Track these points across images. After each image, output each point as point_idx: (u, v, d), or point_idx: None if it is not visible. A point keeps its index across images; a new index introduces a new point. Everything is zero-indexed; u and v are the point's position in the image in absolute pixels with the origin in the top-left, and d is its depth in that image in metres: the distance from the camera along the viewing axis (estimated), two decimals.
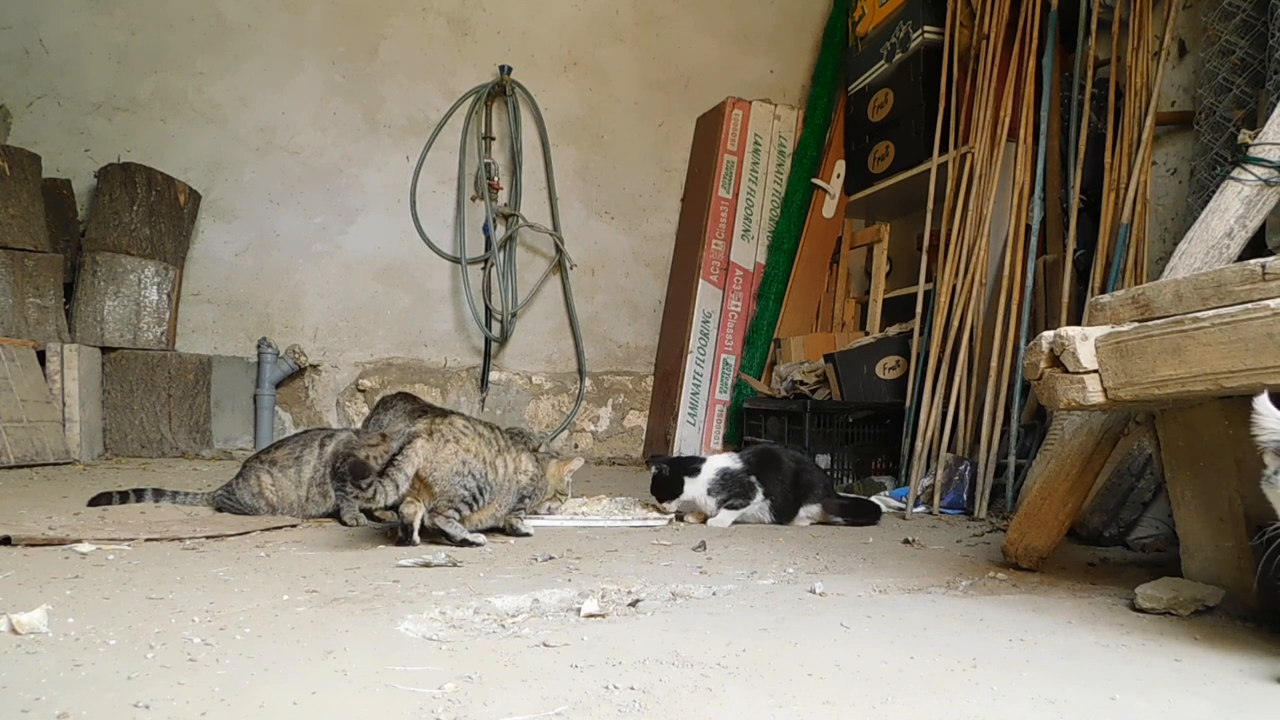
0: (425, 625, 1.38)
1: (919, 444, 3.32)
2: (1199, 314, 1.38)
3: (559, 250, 5.06)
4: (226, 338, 4.57)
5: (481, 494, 2.15)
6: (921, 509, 3.13)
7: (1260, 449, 1.24)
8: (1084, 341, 1.55)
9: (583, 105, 5.18)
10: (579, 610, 1.50)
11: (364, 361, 4.79)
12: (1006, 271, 3.27)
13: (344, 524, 2.43)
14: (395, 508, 2.09)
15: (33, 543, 1.89)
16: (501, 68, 4.93)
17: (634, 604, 1.57)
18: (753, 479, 2.67)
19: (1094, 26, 3.23)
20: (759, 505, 2.69)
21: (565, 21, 5.15)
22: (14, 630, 1.23)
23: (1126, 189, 2.99)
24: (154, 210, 4.17)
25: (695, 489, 2.67)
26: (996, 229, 3.41)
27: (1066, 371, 1.57)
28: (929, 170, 3.84)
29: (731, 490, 2.65)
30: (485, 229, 4.86)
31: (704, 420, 4.78)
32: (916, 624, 1.46)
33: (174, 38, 4.52)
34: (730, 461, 2.73)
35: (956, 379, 3.31)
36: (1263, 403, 1.23)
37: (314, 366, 4.69)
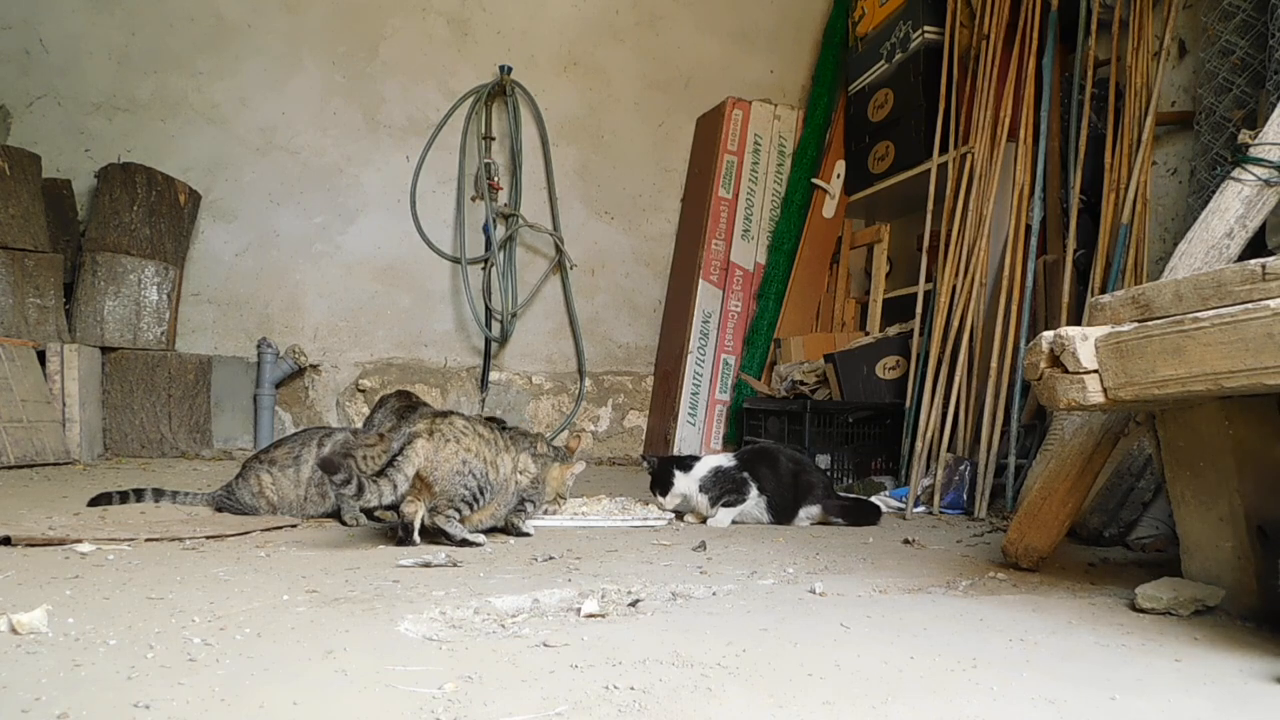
0: (425, 625, 1.38)
1: (919, 444, 3.32)
2: (1199, 314, 1.38)
3: (559, 250, 5.06)
4: (226, 338, 4.57)
5: (482, 494, 2.14)
6: (921, 509, 3.13)
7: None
8: (1084, 341, 1.55)
9: (583, 105, 5.18)
10: (579, 610, 1.50)
11: (364, 361, 4.79)
12: (1006, 271, 3.27)
13: (344, 524, 2.43)
14: (395, 507, 2.09)
15: (33, 543, 1.89)
16: (501, 68, 4.93)
17: (634, 604, 1.57)
18: (745, 475, 2.67)
19: (1094, 26, 3.23)
20: (755, 502, 2.68)
21: (565, 21, 5.15)
22: (14, 630, 1.23)
23: (1126, 189, 2.99)
24: (154, 210, 4.17)
25: (688, 485, 2.67)
26: (996, 229, 3.41)
27: (1066, 371, 1.57)
28: (929, 170, 3.84)
29: (724, 487, 2.65)
30: (485, 229, 4.86)
31: (704, 420, 4.78)
32: (916, 624, 1.46)
33: (174, 38, 4.52)
34: (724, 460, 2.74)
35: (956, 379, 3.30)
36: None
37: (314, 366, 4.69)
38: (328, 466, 1.92)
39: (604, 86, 5.22)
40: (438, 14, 4.95)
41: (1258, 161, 1.89)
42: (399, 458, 2.01)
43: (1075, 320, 2.93)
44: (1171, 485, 1.74)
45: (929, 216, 3.76)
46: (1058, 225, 3.33)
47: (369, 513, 2.46)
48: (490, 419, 2.44)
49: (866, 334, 4.31)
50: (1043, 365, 1.62)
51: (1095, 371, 1.54)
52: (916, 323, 3.74)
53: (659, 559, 2.03)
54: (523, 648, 1.25)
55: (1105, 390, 1.53)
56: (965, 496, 3.08)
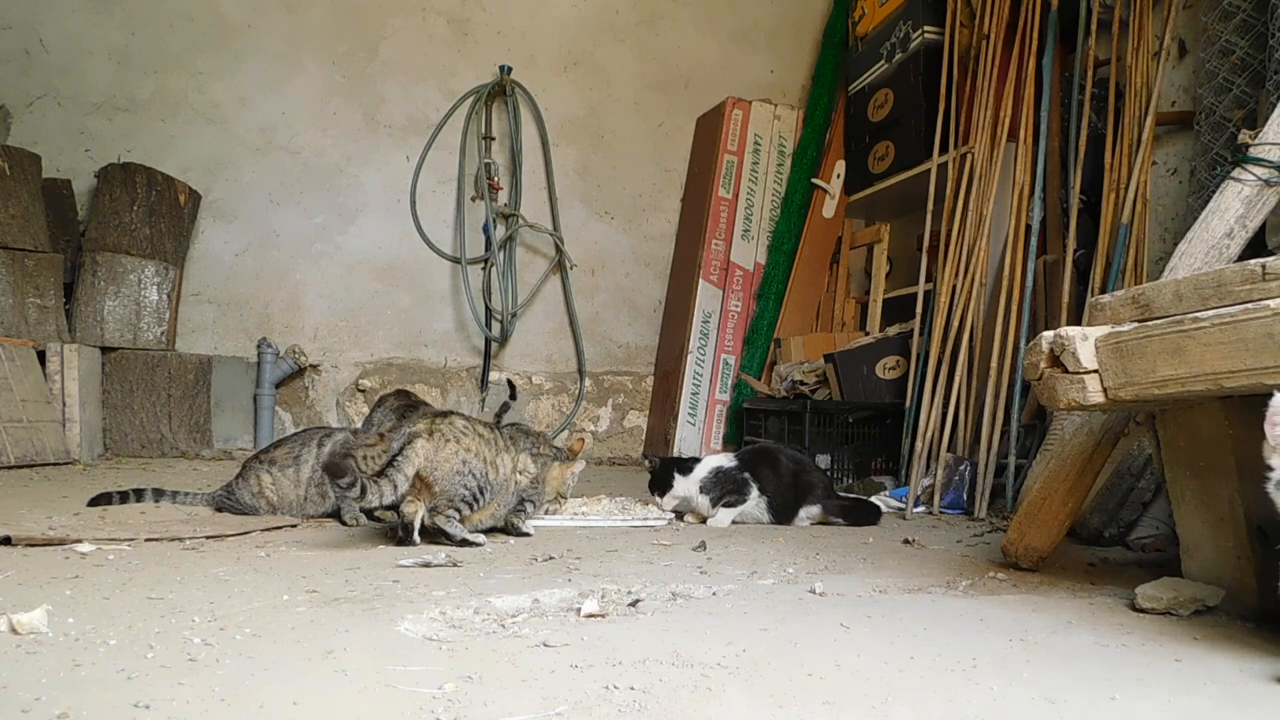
0: (425, 625, 1.38)
1: (919, 444, 3.32)
2: (1199, 314, 1.38)
3: (559, 250, 5.06)
4: (226, 338, 4.57)
5: (482, 494, 2.14)
6: (921, 509, 3.13)
7: (1268, 449, 1.23)
8: (1084, 341, 1.55)
9: (583, 105, 5.18)
10: (579, 610, 1.49)
11: (364, 361, 4.79)
12: (1006, 271, 3.27)
13: (344, 524, 2.43)
14: (395, 507, 2.09)
15: (33, 543, 1.89)
16: (501, 68, 4.93)
17: (634, 604, 1.57)
18: (746, 475, 2.67)
19: (1094, 26, 3.23)
20: (756, 503, 2.68)
21: (565, 21, 5.15)
22: (14, 630, 1.23)
23: (1126, 189, 2.99)
24: (154, 210, 4.17)
25: (688, 486, 2.67)
26: (996, 229, 3.41)
27: (1066, 371, 1.57)
28: (929, 170, 3.84)
29: (725, 487, 2.65)
30: (485, 229, 4.86)
31: (704, 420, 4.78)
32: (916, 624, 1.46)
33: (174, 38, 4.52)
34: (724, 460, 2.73)
35: (956, 379, 3.30)
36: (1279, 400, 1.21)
37: (314, 366, 4.69)
38: (333, 471, 1.92)
39: (604, 86, 5.22)
40: (438, 14, 4.95)
41: (1258, 161, 1.89)
42: (399, 458, 2.01)
43: (1075, 320, 2.93)
44: (1171, 485, 1.74)
45: (929, 216, 3.76)
46: (1058, 225, 3.33)
47: (369, 513, 2.46)
48: (508, 381, 2.43)
49: (866, 334, 4.31)
50: (1043, 365, 1.62)
51: (1095, 371, 1.54)
52: (916, 323, 3.74)
53: (659, 559, 2.03)
54: (523, 648, 1.25)
55: (1105, 390, 1.53)
56: (965, 496, 3.08)
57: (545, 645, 1.26)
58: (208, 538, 2.08)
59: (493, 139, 4.97)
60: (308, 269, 4.71)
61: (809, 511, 2.73)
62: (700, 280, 4.82)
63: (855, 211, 4.88)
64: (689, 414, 4.76)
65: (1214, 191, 1.98)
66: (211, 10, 4.58)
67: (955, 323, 3.37)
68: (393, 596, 1.54)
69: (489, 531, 2.26)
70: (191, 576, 1.66)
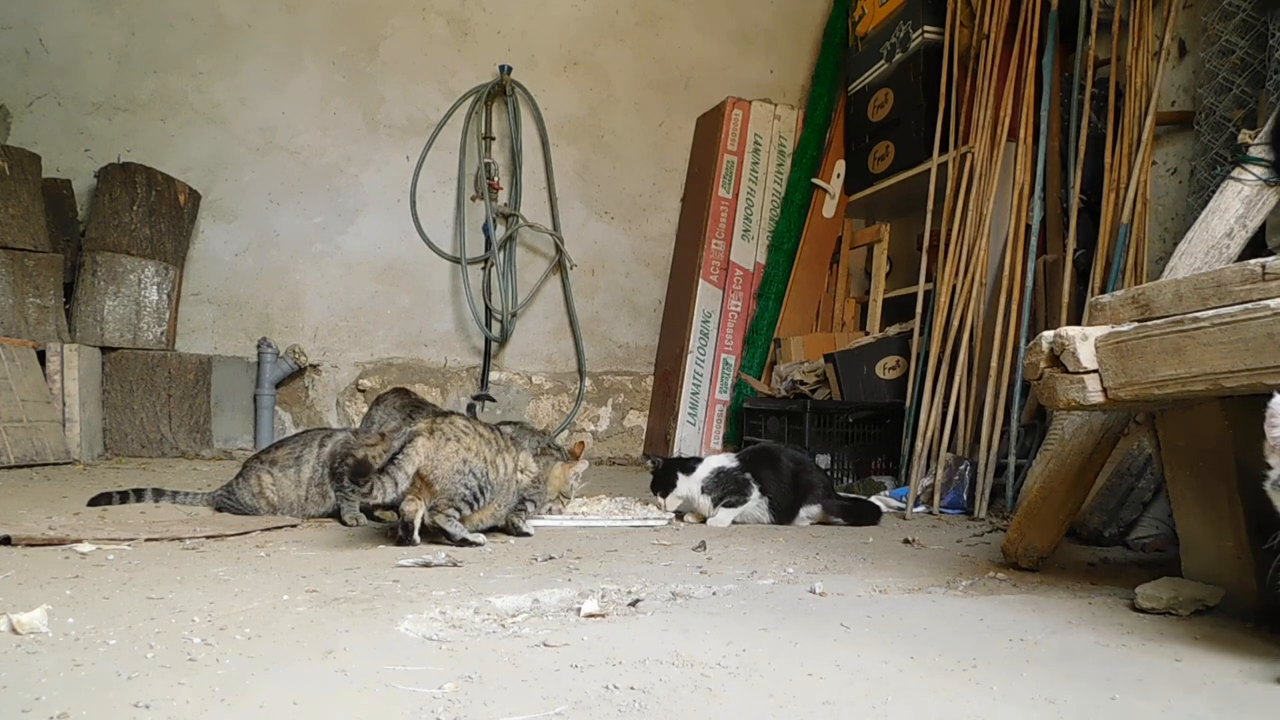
0: (425, 625, 1.38)
1: (919, 444, 3.32)
2: (1199, 314, 1.38)
3: (559, 250, 5.06)
4: (226, 338, 4.57)
5: (482, 493, 2.14)
6: (921, 509, 3.13)
7: (1268, 449, 1.23)
8: (1084, 341, 1.55)
9: (583, 105, 5.18)
10: (579, 610, 1.49)
11: (364, 361, 4.79)
12: (1006, 271, 3.27)
13: (344, 524, 2.43)
14: (395, 507, 2.09)
15: (33, 543, 1.89)
16: (501, 68, 4.93)
17: (634, 604, 1.57)
18: (747, 476, 2.67)
19: (1094, 26, 3.23)
20: (756, 504, 2.68)
21: (565, 21, 5.15)
22: (14, 630, 1.23)
23: (1126, 189, 2.99)
24: (154, 210, 4.17)
25: (690, 486, 2.67)
26: (996, 229, 3.41)
27: (1066, 371, 1.57)
28: (929, 170, 3.84)
29: (726, 488, 2.65)
30: (485, 229, 4.86)
31: (704, 420, 4.78)
32: (916, 624, 1.46)
33: (174, 38, 4.53)
34: (726, 460, 2.73)
35: (956, 379, 3.30)
36: (1278, 403, 1.21)
37: (314, 366, 4.69)
38: (359, 471, 1.93)
39: (604, 86, 5.22)
40: (438, 14, 4.95)
41: (1258, 161, 1.89)
42: (399, 456, 2.01)
43: (1075, 320, 2.93)
44: (1171, 485, 1.74)
45: (929, 216, 3.76)
46: (1058, 225, 3.33)
47: (369, 513, 2.46)
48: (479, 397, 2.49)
49: (866, 334, 4.31)
50: (1043, 365, 1.62)
51: (1095, 371, 1.54)
52: (916, 323, 3.74)
53: (659, 559, 2.03)
54: (523, 647, 1.25)
55: (1105, 390, 1.53)
56: (965, 496, 3.08)
57: (545, 645, 1.26)
58: (208, 538, 2.08)
59: (493, 139, 4.97)
60: (308, 269, 4.71)
61: (809, 511, 2.73)
62: (700, 280, 4.82)
63: (855, 211, 4.88)
64: (689, 414, 4.76)
65: (1214, 191, 1.98)
66: (211, 10, 4.58)
67: (955, 323, 3.37)
68: (393, 596, 1.54)
69: (489, 531, 2.26)
70: (191, 576, 1.66)
